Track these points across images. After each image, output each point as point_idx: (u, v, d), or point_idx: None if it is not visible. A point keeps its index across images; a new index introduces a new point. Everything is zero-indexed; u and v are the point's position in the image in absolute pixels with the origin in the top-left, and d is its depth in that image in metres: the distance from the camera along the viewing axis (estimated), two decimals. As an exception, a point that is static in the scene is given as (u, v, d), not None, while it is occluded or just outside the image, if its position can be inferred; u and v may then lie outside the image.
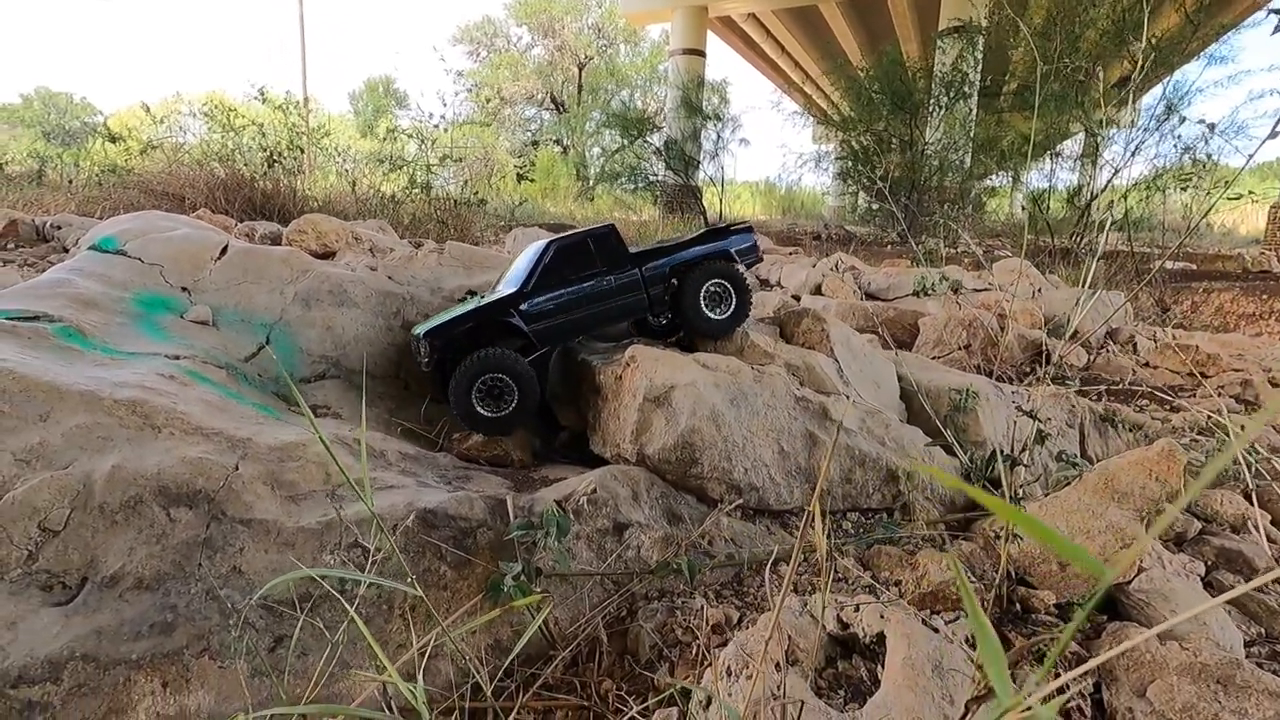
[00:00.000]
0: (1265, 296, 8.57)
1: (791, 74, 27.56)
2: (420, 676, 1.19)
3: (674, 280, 2.96)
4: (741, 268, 2.99)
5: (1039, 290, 6.61)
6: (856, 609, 1.76)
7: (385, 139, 11.07)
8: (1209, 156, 8.69)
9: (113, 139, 9.89)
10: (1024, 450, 1.91)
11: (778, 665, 1.60)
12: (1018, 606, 2.03)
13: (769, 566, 2.18)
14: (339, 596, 1.63)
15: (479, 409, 2.64)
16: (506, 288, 2.91)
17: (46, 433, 1.86)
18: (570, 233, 2.95)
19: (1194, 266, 11.85)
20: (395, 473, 2.26)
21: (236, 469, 1.93)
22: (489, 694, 1.82)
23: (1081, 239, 11.27)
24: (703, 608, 2.02)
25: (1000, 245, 11.96)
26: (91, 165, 9.67)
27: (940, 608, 2.01)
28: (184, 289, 2.98)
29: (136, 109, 12.26)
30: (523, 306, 2.75)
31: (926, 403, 2.88)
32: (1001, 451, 2.01)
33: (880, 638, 1.69)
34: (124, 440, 1.89)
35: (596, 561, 2.15)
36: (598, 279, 2.85)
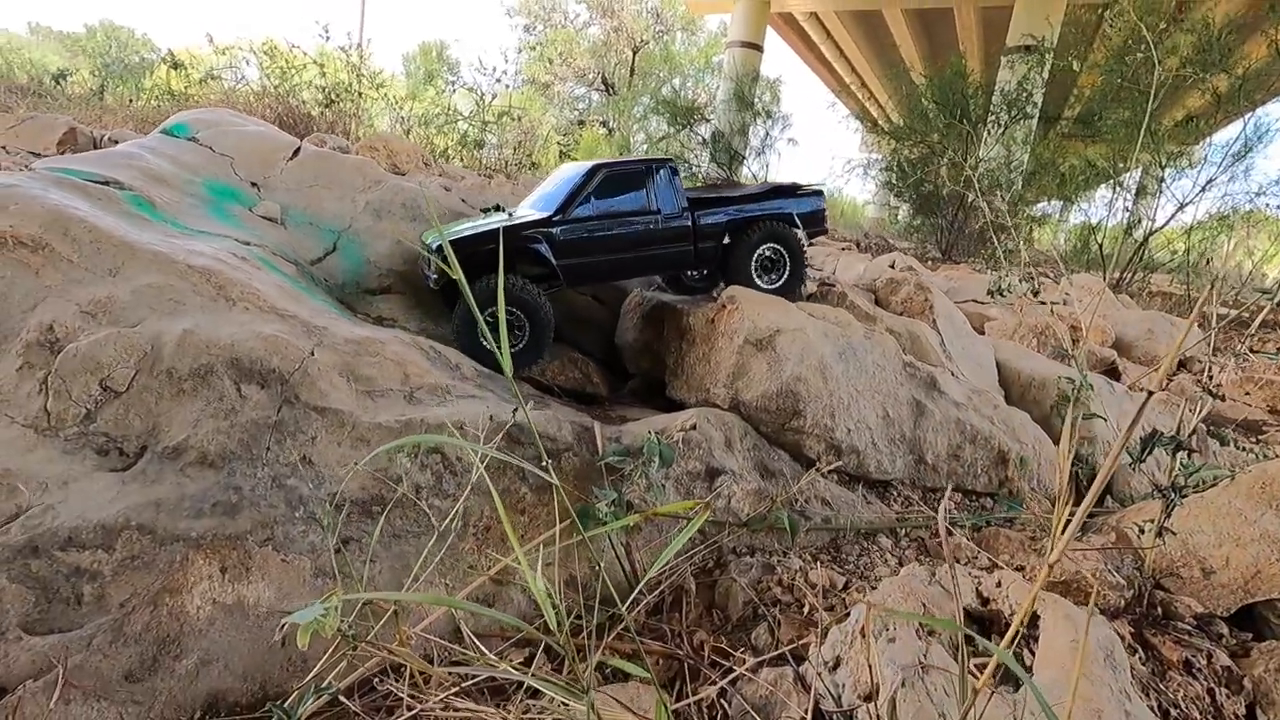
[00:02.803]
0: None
1: (846, 78, 27.01)
2: (543, 580, 1.00)
3: (728, 236, 2.63)
4: (801, 235, 2.68)
5: (1099, 297, 6.30)
6: (998, 584, 1.55)
7: (442, 92, 10.90)
8: None
9: (175, 65, 9.83)
10: (1192, 434, 1.68)
11: (918, 633, 1.40)
12: (1159, 610, 1.81)
13: (869, 538, 1.98)
14: (450, 484, 1.45)
15: (484, 342, 2.43)
16: (535, 209, 2.59)
17: (115, 288, 1.69)
18: (624, 159, 2.59)
19: (1244, 315, 11.39)
20: (473, 386, 2.07)
21: (312, 355, 1.75)
22: (566, 632, 1.64)
23: (1135, 274, 10.88)
24: (804, 569, 1.82)
25: (1046, 273, 11.56)
26: (152, 88, 9.60)
27: (1070, 600, 1.79)
28: (254, 184, 2.81)
29: (195, 49, 12.21)
30: (554, 234, 2.43)
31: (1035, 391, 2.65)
32: (1162, 435, 1.78)
33: (1031, 618, 1.48)
34: (197, 307, 1.71)
35: (684, 507, 1.95)
36: (647, 220, 2.49)
